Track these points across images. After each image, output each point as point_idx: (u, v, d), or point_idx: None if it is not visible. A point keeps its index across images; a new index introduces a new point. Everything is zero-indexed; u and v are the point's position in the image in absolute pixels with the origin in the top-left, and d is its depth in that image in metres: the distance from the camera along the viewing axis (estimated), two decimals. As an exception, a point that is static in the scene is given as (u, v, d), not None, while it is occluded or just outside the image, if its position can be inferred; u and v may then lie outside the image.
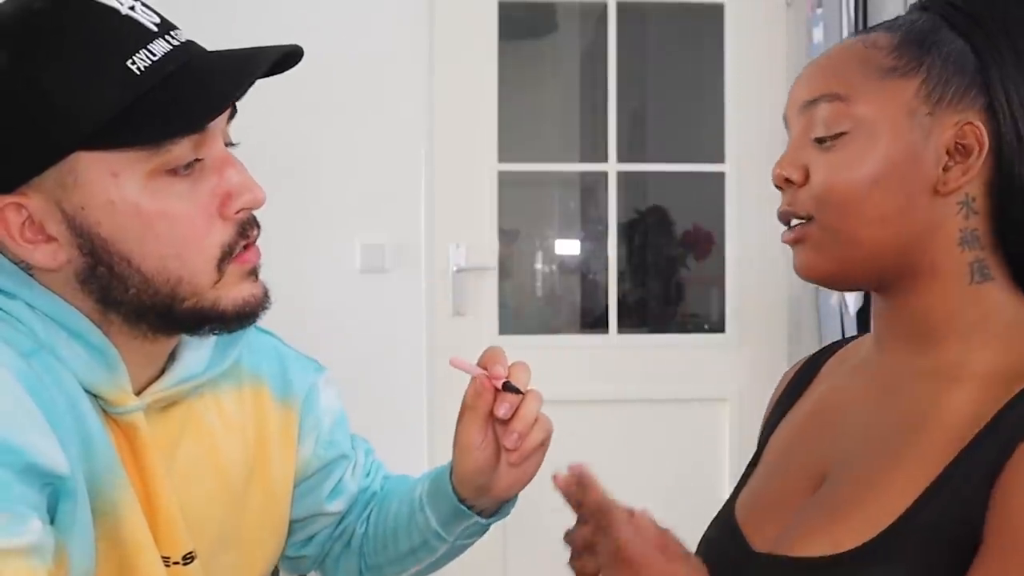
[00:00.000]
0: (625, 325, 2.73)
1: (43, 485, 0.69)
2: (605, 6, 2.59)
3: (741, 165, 2.55)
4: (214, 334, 0.80)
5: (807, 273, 0.78)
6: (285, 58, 0.76)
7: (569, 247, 3.72)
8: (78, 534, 0.72)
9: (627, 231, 3.27)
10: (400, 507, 0.99)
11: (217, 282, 0.76)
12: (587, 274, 3.45)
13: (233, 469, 0.87)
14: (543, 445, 0.90)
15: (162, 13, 0.76)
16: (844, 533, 0.69)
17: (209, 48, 0.77)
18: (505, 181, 2.54)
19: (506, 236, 3.01)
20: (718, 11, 2.58)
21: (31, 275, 0.75)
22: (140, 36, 0.72)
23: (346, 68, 2.42)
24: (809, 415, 0.85)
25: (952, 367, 0.73)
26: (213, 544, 0.85)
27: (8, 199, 0.72)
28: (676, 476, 2.56)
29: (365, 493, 1.04)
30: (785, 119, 0.81)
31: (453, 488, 0.93)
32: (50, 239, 0.73)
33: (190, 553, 0.80)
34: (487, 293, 2.52)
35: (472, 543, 0.99)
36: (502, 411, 0.87)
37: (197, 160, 0.74)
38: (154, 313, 0.75)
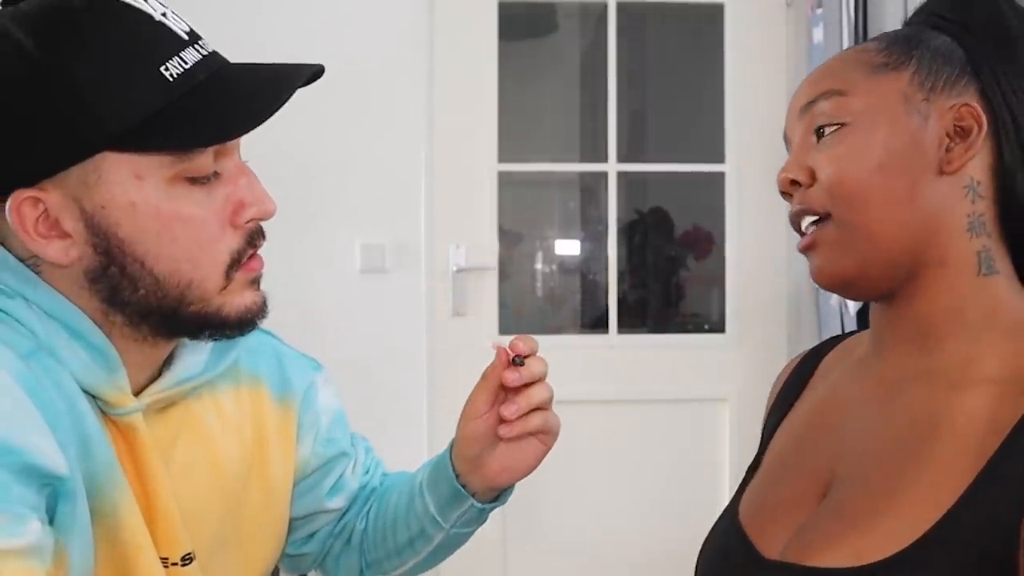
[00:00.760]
0: (625, 325, 2.74)
1: (42, 486, 0.69)
2: (605, 6, 2.59)
3: (741, 165, 2.56)
4: (213, 339, 0.81)
5: (826, 278, 0.77)
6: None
7: (569, 247, 3.72)
8: (77, 535, 0.72)
9: (627, 231, 3.28)
10: (400, 498, 1.00)
11: (223, 288, 0.77)
12: (587, 274, 3.46)
13: (231, 469, 0.88)
14: (542, 437, 0.92)
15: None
16: (865, 545, 0.68)
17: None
18: (505, 181, 2.54)
19: (509, 238, 3.01)
20: (718, 11, 2.58)
21: (37, 272, 0.75)
22: (173, 43, 0.73)
23: (346, 68, 2.42)
24: (810, 417, 0.84)
25: (958, 368, 0.73)
26: (211, 544, 0.85)
27: (27, 193, 0.72)
28: (676, 476, 2.56)
29: (365, 490, 1.05)
30: (785, 137, 0.82)
31: (452, 463, 0.94)
32: (64, 235, 0.73)
33: (188, 554, 0.80)
34: (487, 293, 2.52)
35: (469, 533, 0.99)
36: (510, 378, 0.89)
37: (213, 175, 0.75)
38: (159, 315, 0.76)
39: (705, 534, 0.87)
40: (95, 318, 0.76)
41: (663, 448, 2.56)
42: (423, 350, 2.46)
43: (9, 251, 0.75)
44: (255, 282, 0.80)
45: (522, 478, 0.94)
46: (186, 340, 0.83)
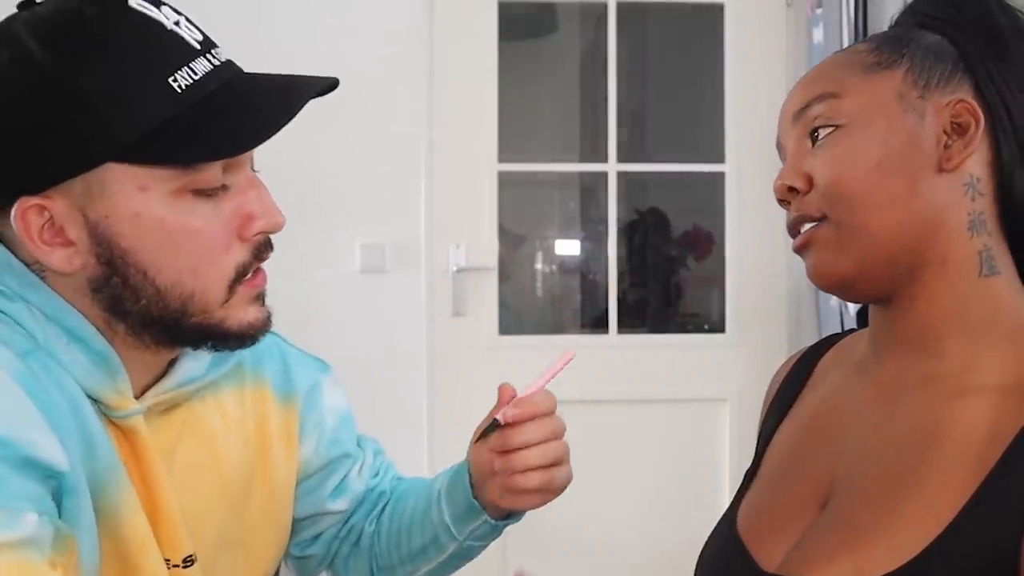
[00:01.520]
0: (625, 325, 2.73)
1: (45, 478, 0.69)
2: (605, 6, 2.59)
3: (741, 165, 2.56)
4: (216, 350, 0.81)
5: (822, 278, 0.76)
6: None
7: (569, 247, 3.72)
8: (83, 531, 0.72)
9: (627, 231, 3.28)
10: (417, 502, 0.99)
11: (226, 302, 0.77)
12: (587, 274, 3.46)
13: (234, 470, 0.87)
14: (539, 493, 0.90)
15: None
16: (865, 560, 0.67)
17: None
18: (505, 181, 2.54)
19: (509, 238, 3.01)
20: (718, 11, 2.58)
21: (42, 277, 0.75)
22: (183, 52, 0.72)
23: (346, 68, 2.41)
24: (809, 421, 0.83)
25: (958, 373, 0.72)
26: (213, 545, 0.85)
27: (32, 200, 0.72)
28: (676, 476, 2.56)
29: (373, 492, 1.04)
30: (779, 144, 0.81)
31: (469, 475, 0.93)
32: (68, 243, 0.73)
33: (190, 556, 0.80)
34: (487, 293, 2.52)
35: (482, 546, 0.97)
36: (501, 414, 0.89)
37: (221, 187, 0.75)
38: (160, 325, 0.76)
39: (705, 534, 0.87)
40: (97, 324, 0.76)
41: (663, 448, 2.56)
42: (423, 350, 2.46)
43: (14, 254, 0.75)
44: (259, 297, 0.80)
45: (527, 510, 0.93)
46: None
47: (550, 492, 0.90)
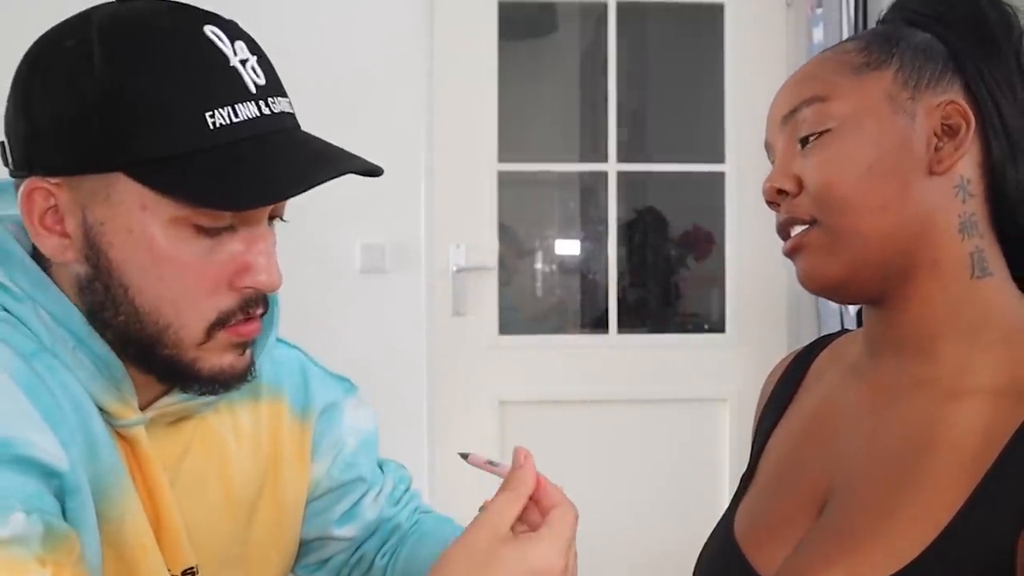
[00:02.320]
0: (625, 325, 2.73)
1: (44, 476, 0.68)
2: (605, 6, 2.59)
3: (741, 165, 2.56)
4: (184, 391, 0.78)
5: (812, 282, 0.76)
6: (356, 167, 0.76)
7: (569, 247, 3.72)
8: (86, 533, 0.72)
9: (627, 231, 3.28)
10: (426, 548, 0.94)
11: (202, 344, 0.74)
12: (587, 274, 3.45)
13: (243, 484, 0.86)
14: None
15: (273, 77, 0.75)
16: (863, 564, 0.67)
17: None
18: (505, 181, 2.54)
19: (509, 237, 3.01)
20: (718, 11, 2.58)
21: (50, 275, 0.75)
22: (233, 91, 0.70)
23: (346, 68, 2.42)
24: (804, 426, 0.83)
25: (952, 376, 0.72)
26: (218, 559, 0.84)
27: (43, 183, 0.72)
28: (676, 476, 2.56)
29: (388, 523, 1.00)
30: (767, 146, 0.80)
31: None
32: (65, 234, 0.73)
33: (191, 568, 0.80)
34: (487, 293, 2.52)
35: None
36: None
37: (228, 228, 0.73)
38: (136, 347, 0.74)
39: (704, 534, 0.86)
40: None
41: (663, 448, 2.56)
42: (423, 350, 2.46)
43: (25, 252, 0.75)
44: (242, 346, 0.77)
45: None
46: None
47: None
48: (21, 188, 0.73)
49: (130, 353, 0.75)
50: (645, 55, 3.58)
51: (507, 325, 2.59)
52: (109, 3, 0.74)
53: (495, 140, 2.51)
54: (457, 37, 2.50)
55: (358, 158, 0.76)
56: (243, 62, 0.72)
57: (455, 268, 2.47)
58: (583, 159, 3.67)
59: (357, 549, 1.00)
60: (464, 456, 0.78)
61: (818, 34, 2.37)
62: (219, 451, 0.85)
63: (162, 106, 0.69)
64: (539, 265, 3.49)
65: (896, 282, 0.74)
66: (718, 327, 2.67)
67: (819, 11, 2.37)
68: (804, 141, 0.75)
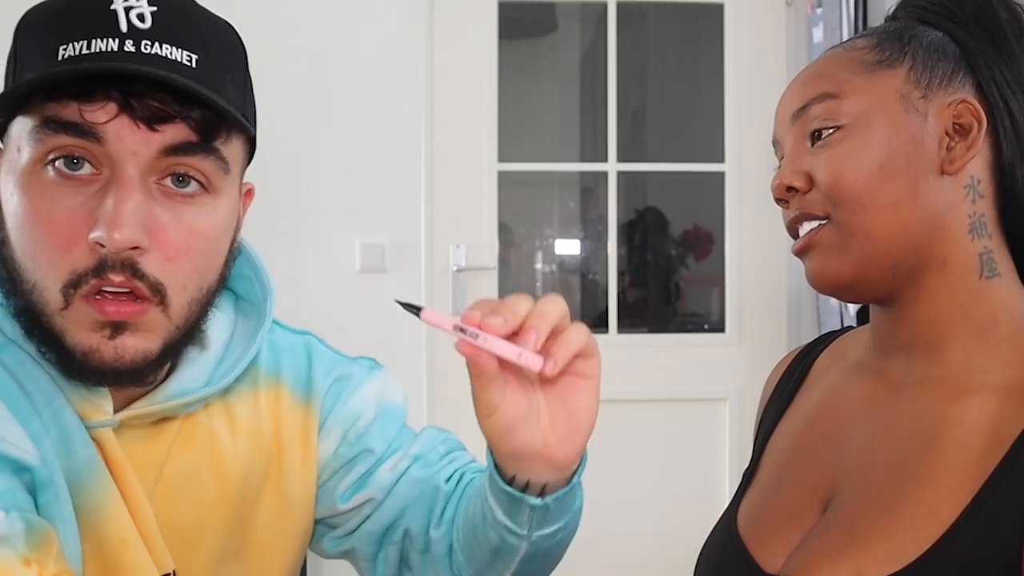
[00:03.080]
0: (625, 325, 2.73)
1: (15, 471, 0.68)
2: (605, 6, 2.59)
3: (741, 165, 2.55)
4: (89, 383, 0.73)
5: (822, 281, 0.75)
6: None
7: (569, 247, 3.72)
8: (61, 526, 0.71)
9: (627, 231, 3.28)
10: (475, 502, 0.82)
11: (63, 309, 0.69)
12: (587, 274, 3.45)
13: (241, 478, 0.84)
14: (581, 370, 0.69)
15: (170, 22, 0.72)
16: (867, 562, 0.67)
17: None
18: (505, 181, 2.54)
19: (509, 237, 3.01)
20: (718, 11, 2.58)
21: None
22: (95, 29, 0.69)
23: (346, 68, 2.42)
24: (808, 422, 0.83)
25: (960, 375, 0.72)
26: (215, 559, 0.83)
27: None
28: (676, 476, 2.56)
29: (424, 487, 0.90)
30: (775, 142, 0.80)
31: (496, 467, 0.74)
32: None
33: (169, 573, 0.78)
34: (487, 293, 2.52)
35: (559, 542, 0.80)
36: (465, 351, 0.65)
37: (93, 174, 0.70)
38: (25, 322, 0.71)
39: (705, 533, 0.86)
40: None
41: (663, 448, 2.56)
42: (423, 350, 2.46)
43: None
44: (108, 327, 0.70)
45: (589, 433, 0.71)
46: (190, 350, 0.79)
47: (588, 358, 0.69)
48: None
49: (34, 335, 0.71)
50: (645, 55, 3.58)
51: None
52: None
53: (495, 140, 2.51)
54: (457, 37, 2.50)
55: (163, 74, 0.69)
56: (128, 9, 0.70)
57: (455, 268, 2.47)
58: (583, 159, 3.67)
59: (394, 524, 0.90)
60: (415, 310, 0.66)
61: (818, 34, 2.37)
62: (210, 448, 0.82)
63: (30, 47, 0.71)
64: (539, 265, 3.49)
65: (905, 282, 0.74)
66: (718, 327, 2.67)
67: (819, 11, 2.37)
68: (814, 138, 0.75)
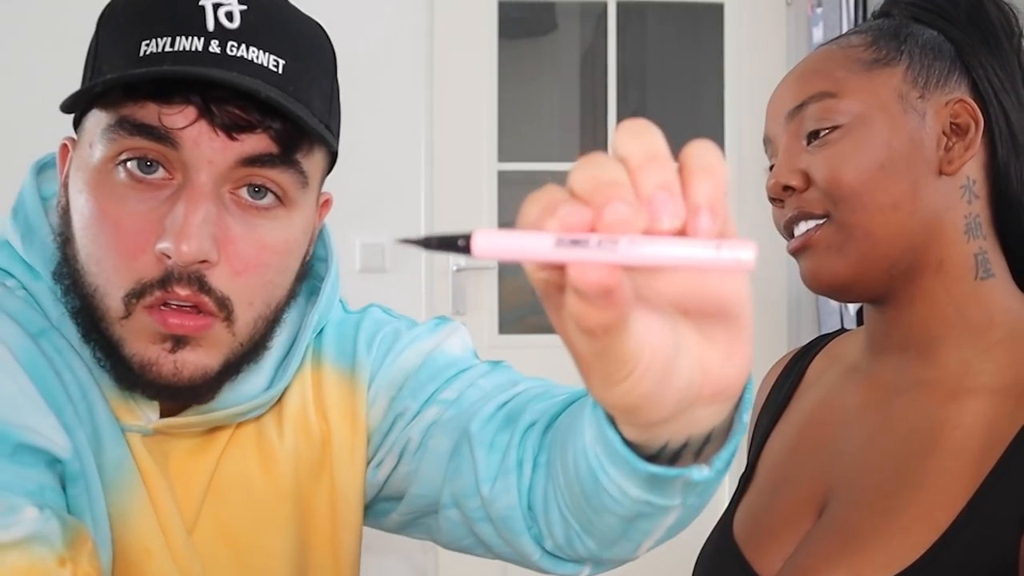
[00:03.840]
0: (625, 325, 2.73)
1: (48, 464, 0.65)
2: (605, 6, 2.59)
3: (740, 165, 2.55)
4: (145, 396, 0.70)
5: (818, 280, 0.75)
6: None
7: (569, 247, 3.71)
8: (92, 521, 0.68)
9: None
10: (577, 460, 0.59)
11: (123, 319, 0.67)
12: (587, 274, 3.45)
13: (292, 473, 0.78)
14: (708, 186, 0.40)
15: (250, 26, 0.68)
16: (865, 566, 0.67)
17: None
18: (505, 181, 2.54)
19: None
20: (718, 11, 2.58)
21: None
22: (180, 26, 0.66)
23: (346, 67, 2.41)
24: (803, 427, 0.82)
25: (955, 377, 0.72)
26: (283, 566, 0.77)
27: (66, 140, 0.72)
28: (676, 476, 2.55)
29: (455, 430, 0.76)
30: (766, 140, 0.79)
31: (614, 427, 0.50)
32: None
33: None
34: (487, 293, 2.52)
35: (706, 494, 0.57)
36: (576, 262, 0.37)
37: (165, 179, 0.66)
38: (83, 324, 0.68)
39: (703, 535, 0.86)
40: None
41: (663, 448, 2.55)
42: (423, 350, 2.46)
43: (51, 230, 0.73)
44: (169, 340, 0.67)
45: (751, 325, 0.49)
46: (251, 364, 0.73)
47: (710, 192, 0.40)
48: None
49: (91, 339, 0.69)
50: (645, 55, 3.58)
51: (507, 324, 2.59)
52: None
53: (495, 140, 2.51)
54: (457, 36, 2.50)
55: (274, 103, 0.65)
56: (217, 6, 0.66)
57: (455, 268, 2.47)
58: (583, 159, 3.66)
59: (435, 486, 0.77)
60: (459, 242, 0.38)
61: (818, 33, 2.37)
62: (259, 451, 0.77)
63: (111, 39, 0.68)
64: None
65: (901, 282, 0.73)
66: (718, 327, 2.66)
67: (819, 10, 2.37)
68: (811, 137, 0.74)
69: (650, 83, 3.66)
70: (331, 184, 0.74)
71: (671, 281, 0.42)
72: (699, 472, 0.50)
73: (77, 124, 0.71)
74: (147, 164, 0.66)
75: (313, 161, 0.71)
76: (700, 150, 0.40)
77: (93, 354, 0.69)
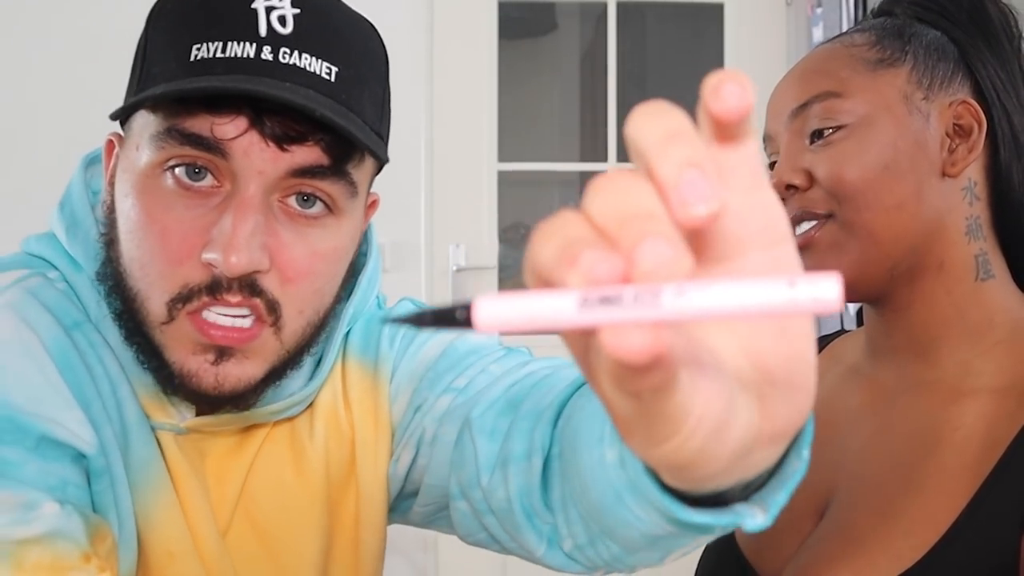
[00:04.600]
0: (625, 325, 2.73)
1: (74, 457, 0.64)
2: (605, 6, 2.58)
3: (741, 165, 2.55)
4: (188, 400, 0.69)
5: None
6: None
7: (569, 247, 3.71)
8: (117, 518, 0.67)
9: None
10: (595, 478, 0.52)
11: (165, 324, 0.66)
12: (587, 274, 3.45)
13: (323, 472, 0.77)
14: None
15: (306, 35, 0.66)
16: (866, 567, 0.67)
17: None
18: (505, 181, 2.54)
19: (510, 237, 3.01)
20: (718, 11, 2.58)
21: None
22: (231, 31, 0.65)
23: (346, 68, 2.42)
24: None
25: (956, 377, 0.72)
26: (309, 567, 0.76)
27: (112, 135, 0.72)
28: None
29: (458, 418, 0.73)
30: (767, 137, 0.79)
31: (659, 483, 0.43)
32: (112, 184, 0.71)
33: None
34: (487, 293, 2.51)
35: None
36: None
37: (214, 186, 0.65)
38: (125, 326, 0.68)
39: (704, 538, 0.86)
40: None
41: (663, 448, 2.55)
42: (423, 350, 2.46)
43: (95, 223, 0.73)
44: (212, 351, 0.66)
45: (814, 369, 0.37)
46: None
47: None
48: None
49: (134, 342, 0.68)
50: (645, 55, 3.58)
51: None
52: None
53: (495, 140, 2.51)
54: (457, 37, 2.50)
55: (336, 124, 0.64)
56: (270, 9, 0.65)
57: (455, 268, 2.47)
58: (583, 159, 3.66)
59: (444, 476, 0.74)
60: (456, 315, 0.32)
61: (818, 33, 2.37)
62: (291, 449, 0.76)
63: (161, 39, 0.67)
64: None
65: (901, 283, 0.73)
66: (718, 327, 2.66)
67: (819, 11, 2.37)
68: (814, 136, 0.74)
69: (650, 83, 3.66)
70: (331, 184, 0.74)
71: (719, 336, 0.35)
72: (752, 520, 0.42)
73: (123, 121, 0.71)
74: (195, 171, 0.65)
75: (363, 170, 0.71)
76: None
77: (136, 356, 0.69)
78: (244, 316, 0.66)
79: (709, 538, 0.50)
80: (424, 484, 0.77)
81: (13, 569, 0.58)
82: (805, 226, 0.75)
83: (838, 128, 0.73)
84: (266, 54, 0.64)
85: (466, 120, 2.50)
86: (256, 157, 0.64)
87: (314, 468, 0.77)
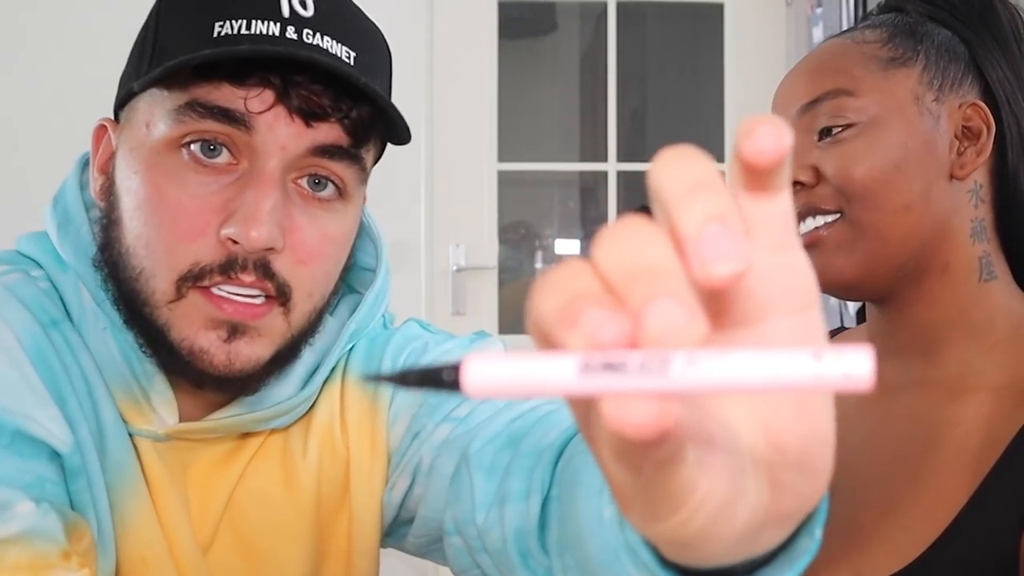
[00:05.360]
0: (625, 325, 2.73)
1: (50, 455, 0.63)
2: (605, 6, 2.59)
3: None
4: (191, 382, 0.67)
5: (825, 279, 0.72)
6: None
7: (569, 247, 3.72)
8: (95, 518, 0.66)
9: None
10: (592, 532, 0.49)
11: (172, 302, 0.64)
12: (587, 274, 3.44)
13: (314, 491, 0.75)
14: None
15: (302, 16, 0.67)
16: (866, 564, 0.67)
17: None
18: (505, 181, 2.54)
19: (509, 237, 3.01)
20: (718, 11, 2.58)
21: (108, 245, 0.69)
22: (255, 9, 0.64)
23: (346, 68, 2.42)
24: None
25: (957, 376, 0.72)
26: None
27: (105, 121, 0.71)
28: (676, 476, 2.56)
29: (456, 451, 0.71)
30: None
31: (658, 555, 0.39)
32: (105, 174, 0.70)
33: None
34: (487, 293, 2.52)
35: None
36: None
37: (230, 163, 0.65)
38: (126, 308, 0.66)
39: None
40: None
41: (663, 448, 2.55)
42: (423, 350, 2.46)
43: (88, 222, 0.72)
44: (224, 326, 0.65)
45: (831, 451, 0.35)
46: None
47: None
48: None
49: (134, 326, 0.67)
50: (645, 54, 3.58)
51: (507, 325, 2.59)
52: None
53: (495, 140, 2.51)
54: (457, 37, 2.50)
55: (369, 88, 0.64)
56: None
57: (455, 268, 2.47)
58: (583, 159, 3.67)
59: (439, 509, 0.72)
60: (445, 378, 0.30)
61: (818, 33, 2.37)
62: (283, 465, 0.74)
63: (177, 19, 0.66)
64: (539, 265, 3.49)
65: (906, 283, 0.74)
66: (718, 327, 2.67)
67: (819, 10, 2.37)
68: (823, 133, 0.74)
69: (650, 83, 3.66)
70: (330, 184, 0.74)
71: (732, 409, 0.32)
72: None
73: (122, 103, 0.70)
74: (211, 148, 0.65)
75: (371, 156, 0.73)
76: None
77: (136, 341, 0.68)
78: (255, 296, 0.65)
79: None
80: (419, 515, 0.75)
81: None
82: (810, 223, 0.75)
83: (848, 126, 0.73)
84: (291, 33, 0.64)
85: (466, 120, 2.50)
86: (281, 131, 0.64)
87: (304, 486, 0.75)
